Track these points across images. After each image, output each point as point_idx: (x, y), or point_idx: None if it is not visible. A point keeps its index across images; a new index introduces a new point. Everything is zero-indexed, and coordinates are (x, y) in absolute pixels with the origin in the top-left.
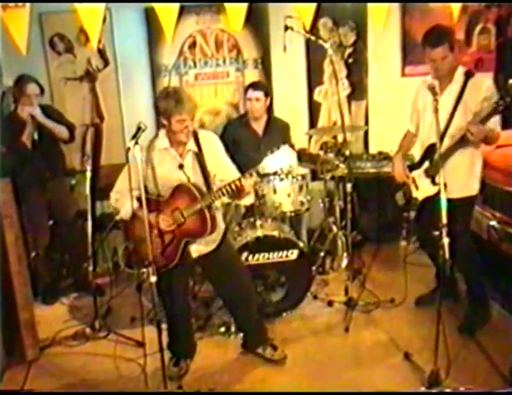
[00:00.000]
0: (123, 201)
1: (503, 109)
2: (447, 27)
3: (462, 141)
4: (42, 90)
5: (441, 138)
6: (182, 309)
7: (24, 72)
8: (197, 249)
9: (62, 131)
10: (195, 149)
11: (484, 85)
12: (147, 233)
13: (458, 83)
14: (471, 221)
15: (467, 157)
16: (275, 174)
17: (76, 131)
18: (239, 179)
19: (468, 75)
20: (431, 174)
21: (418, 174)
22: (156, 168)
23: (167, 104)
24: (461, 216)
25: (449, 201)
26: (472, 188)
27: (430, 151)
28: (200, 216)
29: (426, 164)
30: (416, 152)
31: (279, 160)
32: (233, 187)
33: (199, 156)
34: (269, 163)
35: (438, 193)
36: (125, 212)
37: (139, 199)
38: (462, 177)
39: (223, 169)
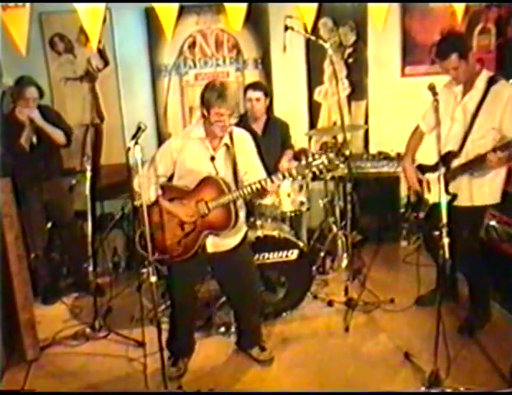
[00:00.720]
0: (146, 186)
1: None
2: (457, 36)
3: (478, 162)
4: (41, 94)
5: (461, 145)
6: (188, 306)
7: (24, 73)
8: (215, 245)
9: (59, 136)
10: (229, 143)
11: (506, 94)
12: (147, 228)
13: (480, 89)
14: (480, 230)
15: (485, 169)
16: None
17: (73, 135)
18: (271, 179)
19: (491, 81)
20: (445, 181)
21: (432, 178)
22: (187, 157)
23: (210, 94)
24: (469, 224)
25: (459, 208)
26: (485, 198)
27: (447, 157)
28: (225, 209)
29: (442, 170)
30: (430, 155)
31: (313, 165)
32: (263, 185)
33: (231, 152)
34: (302, 166)
35: (450, 202)
36: (148, 198)
37: (163, 187)
38: (474, 187)
39: (253, 169)
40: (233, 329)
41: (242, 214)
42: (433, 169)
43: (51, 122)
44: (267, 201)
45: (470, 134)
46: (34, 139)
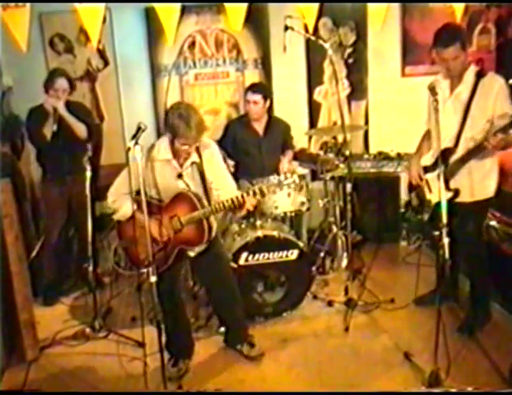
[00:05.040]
0: (120, 202)
1: None
2: (458, 26)
3: (478, 150)
4: (71, 86)
5: (456, 141)
6: (173, 308)
7: (24, 73)
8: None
9: (80, 129)
10: (196, 159)
11: (496, 85)
12: (148, 234)
13: (469, 83)
14: (483, 225)
15: (482, 161)
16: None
17: (95, 132)
18: (242, 196)
19: (480, 75)
20: (445, 179)
21: (432, 177)
22: (157, 176)
23: (177, 124)
24: (474, 219)
25: (463, 204)
26: (486, 192)
27: (444, 155)
28: (198, 225)
29: (442, 168)
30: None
31: (282, 182)
32: (235, 203)
33: (199, 166)
34: (273, 185)
35: (452, 198)
36: (123, 213)
37: (137, 201)
38: (476, 181)
39: (219, 177)
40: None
41: (212, 217)
42: (431, 168)
43: (76, 116)
44: (241, 214)
45: (464, 129)
46: (55, 127)
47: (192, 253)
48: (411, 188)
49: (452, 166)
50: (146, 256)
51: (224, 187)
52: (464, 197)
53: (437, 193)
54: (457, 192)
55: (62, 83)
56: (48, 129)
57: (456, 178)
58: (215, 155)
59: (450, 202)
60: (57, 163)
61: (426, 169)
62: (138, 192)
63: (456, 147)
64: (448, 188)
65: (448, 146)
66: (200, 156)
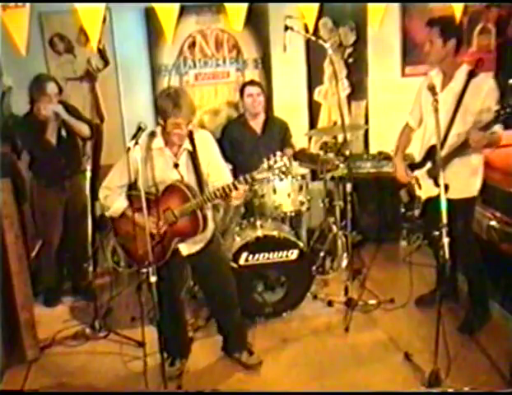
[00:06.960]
0: (112, 198)
1: (505, 118)
2: (449, 18)
3: (463, 147)
4: (60, 90)
5: (444, 139)
6: (172, 308)
7: (24, 73)
8: (188, 247)
9: (84, 128)
10: (190, 148)
11: (485, 87)
12: (147, 231)
13: (459, 82)
14: (472, 222)
15: (469, 159)
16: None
17: (94, 127)
18: (234, 184)
19: (471, 75)
20: (434, 176)
21: (421, 173)
22: (150, 167)
23: (165, 105)
24: (463, 216)
25: (451, 201)
26: (473, 189)
27: (432, 151)
28: (192, 215)
29: (429, 164)
30: (417, 151)
31: (272, 166)
32: (227, 191)
33: (193, 155)
34: (263, 170)
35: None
36: (115, 210)
37: (129, 197)
38: (464, 178)
39: (216, 169)
40: None
41: (209, 213)
42: (420, 165)
43: (73, 115)
44: (234, 203)
45: (452, 127)
46: (64, 132)
47: (185, 251)
48: (401, 185)
49: (438, 163)
50: (144, 252)
51: (220, 178)
52: (452, 195)
53: (426, 189)
54: (446, 188)
55: (52, 87)
56: (52, 136)
57: (444, 175)
58: (209, 143)
59: (439, 197)
60: (55, 169)
61: (415, 166)
62: (129, 188)
63: (443, 145)
64: (436, 184)
65: (435, 143)
66: (193, 144)
